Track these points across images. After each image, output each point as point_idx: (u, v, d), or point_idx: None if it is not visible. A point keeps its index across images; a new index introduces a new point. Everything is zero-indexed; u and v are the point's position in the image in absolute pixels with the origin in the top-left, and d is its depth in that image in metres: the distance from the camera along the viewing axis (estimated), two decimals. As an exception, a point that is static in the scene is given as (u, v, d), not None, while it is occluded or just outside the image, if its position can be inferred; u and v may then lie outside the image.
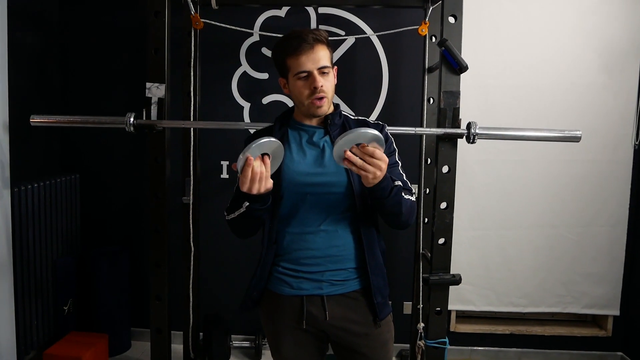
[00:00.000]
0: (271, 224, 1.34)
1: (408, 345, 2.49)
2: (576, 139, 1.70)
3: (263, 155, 1.16)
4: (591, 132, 2.52)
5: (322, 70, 1.30)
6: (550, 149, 2.59)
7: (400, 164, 1.40)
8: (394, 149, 1.41)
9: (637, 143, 2.57)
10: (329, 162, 1.31)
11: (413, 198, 1.33)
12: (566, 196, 2.65)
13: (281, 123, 1.42)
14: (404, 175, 1.39)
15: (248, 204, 1.21)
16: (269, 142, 1.16)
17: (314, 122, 1.39)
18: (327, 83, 1.32)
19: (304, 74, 1.30)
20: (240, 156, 1.13)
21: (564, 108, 2.58)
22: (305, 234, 1.32)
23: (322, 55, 1.30)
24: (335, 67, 1.40)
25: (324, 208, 1.32)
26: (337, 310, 1.33)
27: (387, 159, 1.15)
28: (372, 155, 1.12)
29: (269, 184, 1.18)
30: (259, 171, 1.14)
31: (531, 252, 2.70)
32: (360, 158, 1.13)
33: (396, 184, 1.24)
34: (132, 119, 1.70)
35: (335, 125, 1.38)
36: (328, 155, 1.33)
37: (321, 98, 1.31)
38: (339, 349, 1.40)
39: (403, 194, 1.26)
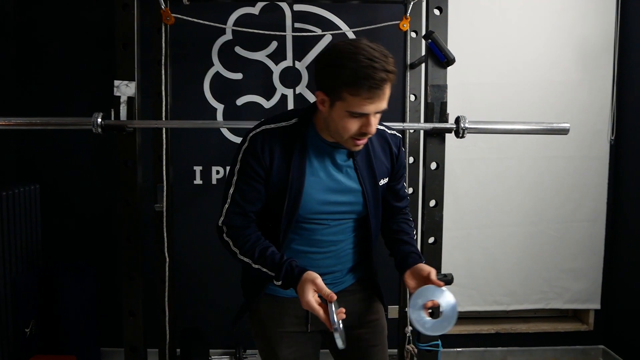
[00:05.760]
0: (275, 235, 1.24)
1: (395, 350, 2.41)
2: (564, 132, 1.68)
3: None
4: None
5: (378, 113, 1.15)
6: (529, 146, 2.59)
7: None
8: (404, 163, 1.40)
9: (612, 139, 2.60)
10: (348, 189, 1.25)
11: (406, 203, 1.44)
12: (545, 193, 2.65)
13: (300, 126, 1.23)
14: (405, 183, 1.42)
15: (281, 283, 1.17)
16: None
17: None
18: (377, 122, 1.17)
19: (359, 115, 1.12)
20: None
21: (542, 105, 2.57)
22: (313, 253, 1.28)
23: (386, 97, 1.11)
24: None
25: (336, 234, 1.29)
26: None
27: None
28: None
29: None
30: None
31: (513, 249, 2.68)
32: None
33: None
34: (99, 119, 1.56)
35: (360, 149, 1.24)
36: (348, 180, 1.26)
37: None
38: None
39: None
